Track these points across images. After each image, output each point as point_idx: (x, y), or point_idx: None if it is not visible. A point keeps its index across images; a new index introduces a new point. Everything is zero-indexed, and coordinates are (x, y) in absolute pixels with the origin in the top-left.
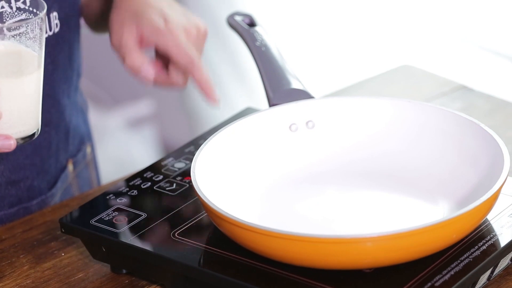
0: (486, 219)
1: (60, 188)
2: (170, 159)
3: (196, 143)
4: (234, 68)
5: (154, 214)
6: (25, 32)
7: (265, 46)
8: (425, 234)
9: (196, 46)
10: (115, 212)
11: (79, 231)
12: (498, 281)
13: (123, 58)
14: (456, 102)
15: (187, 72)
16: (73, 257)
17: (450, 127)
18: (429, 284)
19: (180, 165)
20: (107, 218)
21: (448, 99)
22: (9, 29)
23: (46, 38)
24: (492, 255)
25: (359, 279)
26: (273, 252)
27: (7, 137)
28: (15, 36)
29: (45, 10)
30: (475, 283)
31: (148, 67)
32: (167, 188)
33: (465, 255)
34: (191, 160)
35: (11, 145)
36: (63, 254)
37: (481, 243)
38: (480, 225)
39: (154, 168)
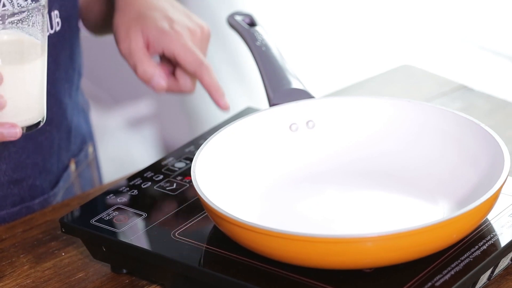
0: (487, 219)
1: (62, 187)
2: (171, 158)
3: (196, 143)
4: (234, 68)
5: (155, 213)
6: (27, 19)
7: (265, 46)
8: (425, 234)
9: (201, 47)
10: (115, 212)
11: (79, 230)
12: (499, 281)
13: (134, 67)
14: (456, 102)
15: (195, 76)
16: (73, 256)
17: (450, 127)
18: (430, 284)
19: (180, 164)
20: (107, 217)
21: (448, 99)
22: (11, 16)
23: (48, 37)
24: (493, 255)
25: (359, 279)
26: (273, 251)
27: (13, 125)
28: (17, 24)
29: None
30: (475, 283)
31: (160, 76)
32: (167, 188)
33: (465, 255)
34: (191, 160)
35: (16, 133)
36: (63, 253)
37: (482, 243)
38: (480, 225)
39: (155, 167)
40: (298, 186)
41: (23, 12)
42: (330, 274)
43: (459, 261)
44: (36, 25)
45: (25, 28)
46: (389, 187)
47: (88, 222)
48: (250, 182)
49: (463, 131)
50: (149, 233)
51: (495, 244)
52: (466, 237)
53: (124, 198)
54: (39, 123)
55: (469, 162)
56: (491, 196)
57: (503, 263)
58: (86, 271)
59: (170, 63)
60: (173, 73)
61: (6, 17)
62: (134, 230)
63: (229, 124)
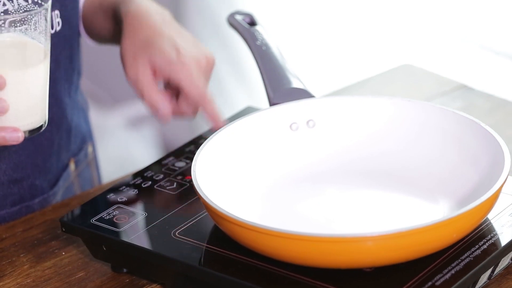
0: (487, 218)
1: (62, 186)
2: (171, 158)
3: (196, 142)
4: (235, 68)
5: (155, 213)
6: (30, 23)
7: (266, 45)
8: (425, 234)
9: (205, 76)
10: (116, 211)
11: (79, 230)
12: (499, 280)
13: (141, 95)
14: (456, 101)
15: (197, 105)
16: (73, 256)
17: (451, 126)
18: (430, 283)
19: (180, 164)
20: (107, 217)
21: (449, 98)
22: (14, 21)
23: None
24: (493, 254)
25: (359, 278)
26: (273, 251)
27: (15, 130)
28: (20, 28)
29: (50, 1)
30: (475, 282)
31: (166, 105)
32: (167, 187)
33: (465, 254)
34: (191, 159)
35: (19, 137)
36: (63, 253)
37: (482, 242)
38: (480, 224)
39: (155, 167)
40: (298, 186)
41: (27, 15)
42: (330, 274)
43: (459, 260)
44: (39, 28)
45: (28, 32)
46: (389, 186)
47: (88, 222)
48: (250, 182)
49: (463, 130)
50: (150, 233)
51: (495, 244)
52: (467, 236)
53: (125, 198)
54: (41, 127)
55: (470, 161)
56: (492, 196)
57: (504, 262)
58: (86, 270)
59: (174, 88)
60: (176, 97)
61: (9, 21)
62: (134, 230)
63: (230, 124)
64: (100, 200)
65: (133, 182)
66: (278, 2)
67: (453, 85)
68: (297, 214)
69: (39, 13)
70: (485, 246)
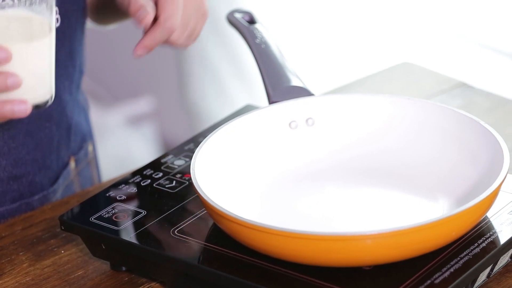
0: (486, 216)
1: (62, 184)
2: (170, 156)
3: (195, 140)
4: (234, 66)
5: (154, 211)
6: None
7: (265, 43)
8: (424, 232)
9: (188, 13)
10: (115, 210)
11: (78, 228)
12: (498, 278)
13: (127, 7)
14: (455, 99)
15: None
16: (72, 254)
17: (450, 124)
18: (429, 281)
19: (179, 162)
20: (106, 215)
21: (448, 97)
22: None
23: None
24: (492, 252)
25: (358, 277)
26: (273, 249)
27: (22, 102)
28: (25, 2)
29: None
30: (474, 281)
31: (148, 10)
32: (166, 186)
33: (464, 253)
34: (190, 158)
35: (26, 110)
36: (62, 251)
37: (481, 241)
38: (479, 223)
39: (154, 165)
40: (297, 184)
41: None
42: (329, 272)
43: (458, 258)
44: (44, 3)
45: (33, 7)
46: (388, 184)
47: (87, 220)
48: (249, 180)
49: (463, 128)
50: (149, 231)
51: (494, 242)
52: (466, 234)
53: (124, 196)
54: (47, 102)
55: (469, 159)
56: (491, 194)
57: (503, 260)
58: (85, 268)
59: None
60: None
61: None
62: (133, 228)
63: (229, 122)
64: (99, 198)
65: (132, 180)
66: (277, 0)
67: (453, 83)
68: (296, 212)
69: None
70: (484, 244)
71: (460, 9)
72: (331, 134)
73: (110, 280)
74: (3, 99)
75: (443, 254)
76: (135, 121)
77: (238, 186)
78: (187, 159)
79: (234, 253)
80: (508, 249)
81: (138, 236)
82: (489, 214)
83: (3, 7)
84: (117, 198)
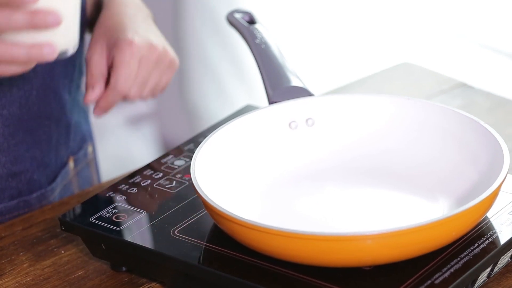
0: (486, 216)
1: (60, 183)
2: (170, 156)
3: (195, 140)
4: (234, 66)
5: (154, 211)
6: None
7: (265, 43)
8: (424, 232)
9: (152, 66)
10: (115, 210)
11: (78, 228)
12: (498, 278)
13: (86, 73)
14: (456, 99)
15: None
16: (72, 254)
17: (450, 124)
18: (429, 281)
19: (179, 162)
20: (106, 215)
21: (448, 97)
22: None
23: None
24: (492, 252)
25: (358, 277)
26: (273, 249)
27: (50, 45)
28: None
29: None
30: (475, 281)
31: (97, 90)
32: (166, 186)
33: (465, 253)
34: (191, 158)
35: (54, 53)
36: (62, 251)
37: (481, 241)
38: (480, 223)
39: (154, 165)
40: (297, 184)
41: None
42: (329, 272)
43: (458, 258)
44: None
45: None
46: (389, 185)
47: (87, 220)
48: (249, 180)
49: (463, 128)
50: (149, 231)
51: (494, 242)
52: (466, 234)
53: (124, 196)
54: (70, 50)
55: (469, 159)
56: (491, 194)
57: (503, 260)
58: (85, 269)
59: None
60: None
61: None
62: (133, 228)
63: (229, 122)
64: (100, 199)
65: (132, 180)
66: (277, 1)
67: (453, 83)
68: (296, 213)
69: None
70: (484, 245)
71: (460, 9)
72: (331, 134)
73: (110, 280)
74: (31, 42)
75: (443, 254)
76: (135, 121)
77: (238, 186)
78: (187, 160)
79: (234, 253)
80: (508, 250)
81: (138, 237)
82: (489, 214)
83: None
84: (117, 198)
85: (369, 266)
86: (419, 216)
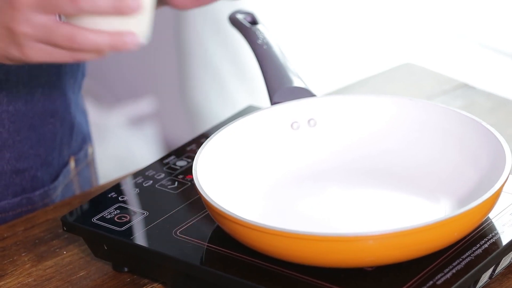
0: (488, 217)
1: (62, 182)
2: (172, 157)
3: (197, 141)
4: (236, 66)
5: (156, 212)
6: None
7: (267, 44)
8: (426, 232)
9: None
10: (117, 210)
11: (80, 229)
12: (500, 279)
13: None
14: (457, 100)
15: None
16: (74, 255)
17: (452, 125)
18: (431, 282)
19: (182, 163)
20: (108, 216)
21: (450, 97)
22: None
23: None
24: (494, 253)
25: (360, 277)
26: (275, 250)
27: (132, 33)
28: None
29: None
30: (476, 282)
31: None
32: (169, 186)
33: (466, 254)
34: (193, 158)
35: (137, 42)
36: (65, 252)
37: (483, 242)
38: (481, 224)
39: (156, 166)
40: (299, 185)
41: None
42: (331, 273)
43: (460, 259)
44: None
45: None
46: (390, 185)
47: (89, 221)
48: (251, 181)
49: (464, 129)
50: (151, 232)
51: (496, 243)
52: (468, 235)
53: (126, 197)
54: (144, 40)
55: (471, 160)
56: (493, 195)
57: (505, 261)
58: (87, 269)
59: None
60: None
61: None
62: (135, 229)
63: (231, 123)
64: (102, 199)
65: (134, 181)
66: (279, 1)
67: (454, 83)
68: (298, 213)
69: None
70: (486, 245)
71: (462, 9)
72: (333, 135)
73: (112, 281)
74: (111, 29)
75: (445, 255)
76: (137, 121)
77: (240, 187)
78: (189, 160)
79: (236, 254)
80: (510, 250)
81: (140, 237)
82: (491, 215)
83: None
84: (119, 199)
85: (371, 267)
86: (421, 216)
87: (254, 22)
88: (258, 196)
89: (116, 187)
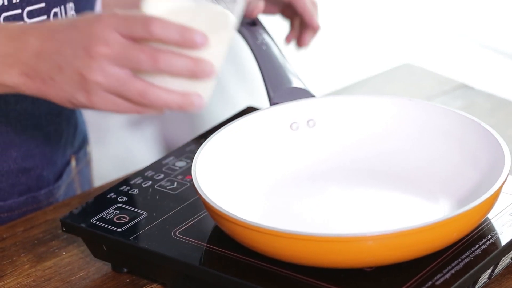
0: (487, 217)
1: (65, 181)
2: (171, 157)
3: (197, 141)
4: (235, 67)
5: (155, 213)
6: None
7: (266, 44)
8: (426, 233)
9: None
10: (116, 211)
11: (80, 230)
12: (499, 279)
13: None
14: (457, 100)
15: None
16: (74, 256)
17: (451, 125)
18: (430, 282)
19: (181, 163)
20: (108, 217)
21: (449, 98)
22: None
23: None
24: (493, 253)
25: (360, 278)
26: (274, 251)
27: (199, 95)
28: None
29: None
30: (475, 282)
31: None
32: (168, 187)
33: (466, 254)
34: (192, 159)
35: (203, 104)
36: (64, 253)
37: (482, 242)
38: (481, 224)
39: (155, 166)
40: (298, 185)
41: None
42: (331, 273)
43: (459, 260)
44: (238, 3)
45: (229, 5)
46: (390, 185)
47: (89, 221)
48: (250, 181)
49: (464, 130)
50: (150, 232)
51: (495, 243)
52: (467, 236)
53: (125, 197)
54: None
55: (470, 161)
56: (492, 195)
57: (504, 262)
58: (87, 270)
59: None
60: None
61: None
62: (134, 229)
63: (230, 123)
64: (101, 200)
65: (133, 181)
66: None
67: (454, 84)
68: (297, 214)
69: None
70: (485, 246)
71: (461, 10)
72: (332, 135)
73: (112, 281)
74: (181, 89)
75: (444, 256)
76: (136, 122)
77: (239, 187)
78: (189, 161)
79: (236, 254)
80: (509, 251)
81: (139, 238)
82: (490, 215)
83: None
84: (119, 199)
85: (370, 267)
86: (420, 217)
87: (253, 22)
88: (257, 196)
89: (115, 188)
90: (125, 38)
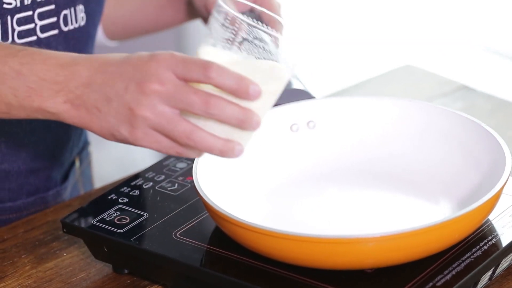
0: (488, 219)
1: (71, 182)
2: (172, 159)
3: None
4: None
5: (156, 214)
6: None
7: None
8: (426, 234)
9: None
10: (117, 212)
11: (80, 231)
12: (500, 281)
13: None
14: (457, 102)
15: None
16: (74, 257)
17: (452, 127)
18: (431, 284)
19: (181, 165)
20: (108, 218)
21: (450, 99)
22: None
23: (71, 31)
24: (494, 255)
25: (361, 279)
26: (275, 252)
27: (239, 143)
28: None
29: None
30: (476, 283)
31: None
32: (168, 188)
33: (466, 255)
34: (193, 160)
35: (241, 153)
36: (65, 254)
37: (483, 243)
38: (481, 225)
39: (156, 168)
40: (299, 187)
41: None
42: (332, 275)
43: (460, 261)
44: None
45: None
46: (390, 187)
47: (89, 223)
48: (251, 183)
49: (464, 131)
50: (151, 233)
51: (496, 244)
52: (468, 237)
53: (126, 199)
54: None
55: (471, 162)
56: (493, 197)
57: (504, 263)
58: (87, 271)
59: None
60: None
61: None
62: (135, 230)
63: None
64: (102, 201)
65: (134, 183)
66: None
67: (454, 85)
68: (298, 215)
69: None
70: (486, 247)
71: (462, 12)
72: (333, 137)
73: (112, 282)
74: (224, 136)
75: (445, 257)
76: None
77: (240, 189)
78: (189, 162)
79: (236, 255)
80: (510, 252)
81: (140, 239)
82: (491, 216)
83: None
84: (119, 200)
85: (371, 269)
86: (421, 218)
87: None
88: (258, 198)
89: (116, 189)
90: (179, 79)
